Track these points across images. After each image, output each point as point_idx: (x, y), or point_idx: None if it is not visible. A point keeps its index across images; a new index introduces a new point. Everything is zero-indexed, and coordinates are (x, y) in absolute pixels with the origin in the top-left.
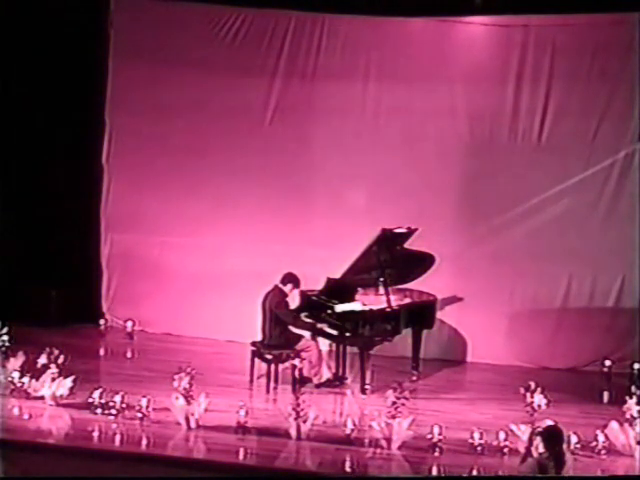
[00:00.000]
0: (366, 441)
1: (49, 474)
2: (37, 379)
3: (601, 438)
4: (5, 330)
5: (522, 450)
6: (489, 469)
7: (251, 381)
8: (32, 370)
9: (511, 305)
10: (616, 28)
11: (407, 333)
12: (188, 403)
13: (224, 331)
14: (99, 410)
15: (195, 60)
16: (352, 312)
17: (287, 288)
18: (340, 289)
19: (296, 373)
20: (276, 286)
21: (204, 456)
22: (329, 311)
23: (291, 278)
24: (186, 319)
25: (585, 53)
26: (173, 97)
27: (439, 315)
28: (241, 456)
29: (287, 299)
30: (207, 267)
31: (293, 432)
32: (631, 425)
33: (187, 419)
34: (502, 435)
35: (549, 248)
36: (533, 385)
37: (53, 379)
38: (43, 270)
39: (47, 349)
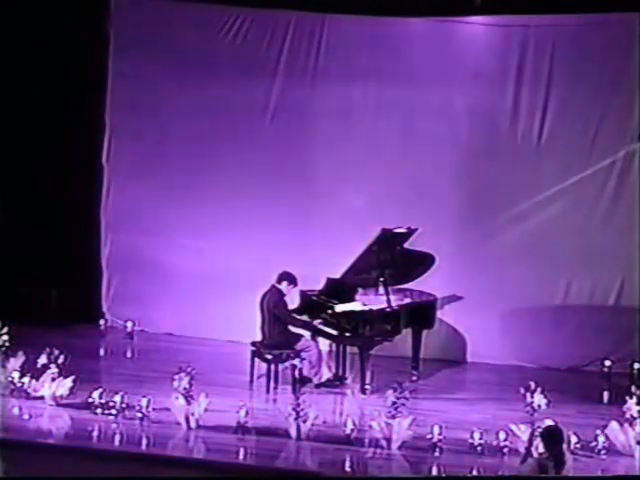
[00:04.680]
0: (366, 441)
1: (49, 474)
2: (37, 379)
3: (601, 438)
4: (5, 330)
5: (522, 450)
6: (489, 469)
7: (251, 381)
8: (32, 370)
9: (511, 305)
10: (616, 28)
11: (407, 333)
12: (188, 403)
13: (224, 331)
14: (99, 410)
15: (195, 60)
16: (352, 312)
17: (283, 286)
18: (340, 289)
19: (296, 373)
20: (273, 286)
21: (204, 456)
22: (329, 311)
23: (286, 276)
24: (186, 319)
25: (585, 53)
26: (173, 97)
27: (439, 315)
28: (241, 456)
29: (285, 298)
30: (207, 267)
31: (293, 432)
32: (631, 425)
33: (187, 419)
34: (502, 435)
35: (549, 248)
36: (533, 385)
37: (53, 379)
38: (43, 270)
39: (47, 349)
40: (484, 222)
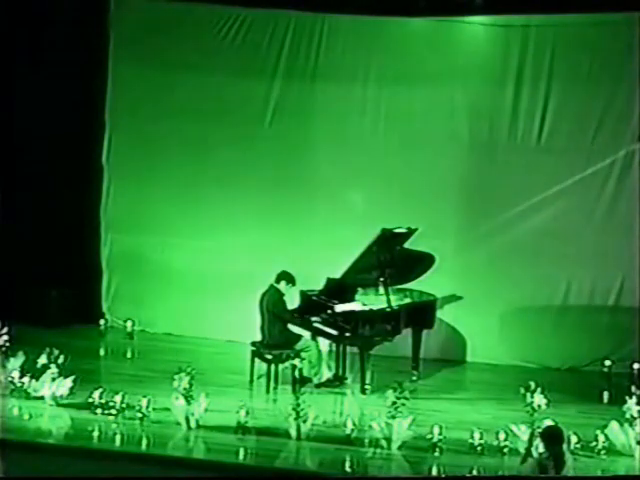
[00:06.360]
0: (366, 441)
1: (49, 474)
2: (37, 379)
3: (601, 438)
4: (5, 330)
5: (522, 450)
6: (489, 469)
7: (251, 381)
8: (32, 370)
9: (511, 305)
10: (616, 28)
11: (407, 333)
12: (188, 403)
13: (224, 331)
14: (99, 410)
15: (195, 60)
16: (352, 312)
17: (282, 286)
18: (340, 289)
19: (296, 373)
20: (272, 286)
21: (204, 456)
22: (329, 311)
23: (285, 276)
24: (186, 319)
25: (585, 53)
26: (173, 97)
27: (439, 315)
28: (241, 456)
29: (284, 298)
30: (207, 267)
31: (293, 432)
32: (631, 425)
33: (187, 419)
34: (502, 435)
35: (549, 248)
36: (533, 385)
37: (53, 379)
38: (43, 270)
39: (47, 349)
40: (484, 222)
